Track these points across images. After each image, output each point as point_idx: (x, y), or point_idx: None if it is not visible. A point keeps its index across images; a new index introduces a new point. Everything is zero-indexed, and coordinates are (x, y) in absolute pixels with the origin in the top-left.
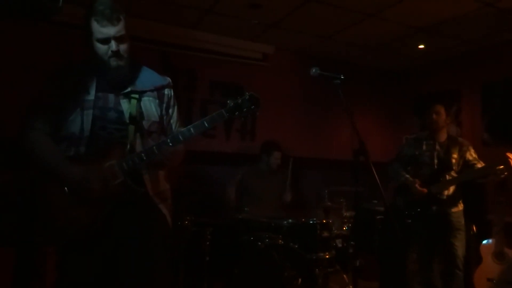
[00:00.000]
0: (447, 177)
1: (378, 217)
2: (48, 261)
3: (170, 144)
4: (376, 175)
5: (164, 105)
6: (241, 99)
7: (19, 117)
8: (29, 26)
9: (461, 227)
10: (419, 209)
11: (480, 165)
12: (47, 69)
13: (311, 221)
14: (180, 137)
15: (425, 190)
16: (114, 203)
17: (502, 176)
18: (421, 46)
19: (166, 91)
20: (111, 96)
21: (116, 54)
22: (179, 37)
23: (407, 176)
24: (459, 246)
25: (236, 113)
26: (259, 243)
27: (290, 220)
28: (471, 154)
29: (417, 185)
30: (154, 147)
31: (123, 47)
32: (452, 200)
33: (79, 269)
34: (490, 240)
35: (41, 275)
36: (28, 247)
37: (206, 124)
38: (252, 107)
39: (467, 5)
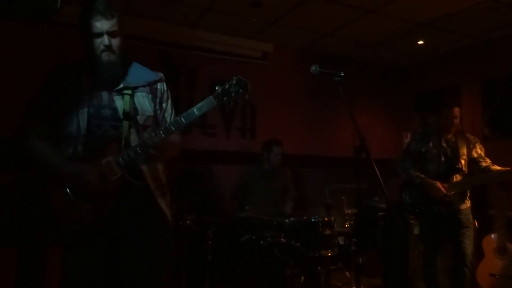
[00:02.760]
0: (455, 177)
1: (380, 214)
2: (49, 261)
3: (163, 135)
4: (377, 172)
5: (158, 99)
6: (228, 84)
7: (20, 117)
8: (28, 27)
9: (470, 224)
10: (422, 207)
11: (485, 163)
12: (47, 69)
13: (313, 219)
14: (172, 127)
15: (444, 190)
16: (115, 199)
17: None
18: (420, 42)
19: (159, 86)
20: (105, 94)
21: (109, 48)
22: (179, 36)
23: (423, 176)
24: (468, 244)
25: (225, 98)
26: (261, 242)
27: (292, 218)
28: (477, 151)
29: (438, 185)
30: (148, 140)
31: (115, 42)
32: (460, 197)
33: (82, 267)
34: (493, 235)
35: (43, 274)
36: (30, 247)
37: (196, 112)
38: (240, 90)
39: None
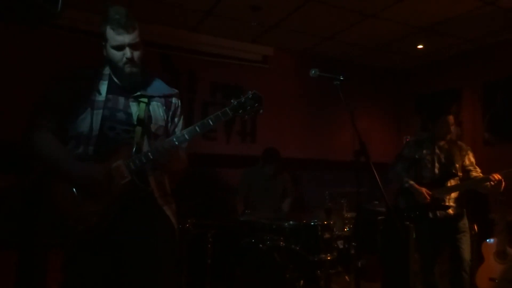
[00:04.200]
0: (450, 183)
1: (379, 217)
2: (50, 263)
3: (176, 142)
4: (377, 176)
5: (171, 112)
6: (245, 98)
7: (20, 120)
8: (29, 30)
9: (466, 229)
10: (417, 212)
11: (475, 172)
12: (48, 72)
13: (313, 222)
14: (186, 135)
15: (428, 197)
16: (121, 202)
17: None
18: (420, 46)
19: (174, 100)
20: (121, 99)
21: (131, 61)
22: (179, 39)
23: (412, 182)
24: (465, 249)
25: (240, 111)
26: (261, 245)
27: (291, 221)
28: (469, 159)
29: (423, 192)
30: (160, 146)
31: (137, 54)
32: (456, 202)
33: (86, 269)
34: (492, 240)
35: (44, 277)
36: (31, 249)
37: (211, 123)
38: (256, 105)
39: (467, 4)
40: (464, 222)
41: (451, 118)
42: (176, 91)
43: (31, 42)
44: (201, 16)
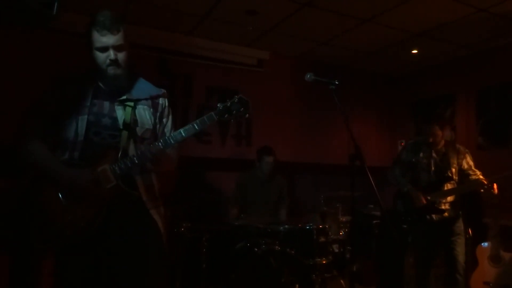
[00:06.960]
0: (446, 186)
1: (374, 221)
2: (43, 268)
3: (162, 147)
4: (372, 180)
5: (158, 114)
6: (230, 102)
7: (15, 124)
8: (28, 33)
9: (461, 232)
10: (415, 216)
11: (475, 175)
12: (45, 76)
13: (308, 226)
14: (172, 140)
15: (424, 201)
16: (108, 206)
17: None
18: (415, 51)
19: (161, 101)
20: (107, 103)
21: (114, 62)
22: (175, 43)
23: (410, 186)
24: (460, 251)
25: (226, 115)
26: (256, 249)
27: (286, 225)
28: (467, 162)
29: (421, 197)
30: (146, 150)
31: (121, 56)
32: (451, 206)
33: (76, 272)
34: (486, 244)
35: (37, 281)
36: (24, 254)
37: (197, 127)
38: (241, 109)
39: (461, 10)
40: (459, 225)
41: (433, 130)
42: (163, 91)
43: (31, 45)
44: (197, 20)
